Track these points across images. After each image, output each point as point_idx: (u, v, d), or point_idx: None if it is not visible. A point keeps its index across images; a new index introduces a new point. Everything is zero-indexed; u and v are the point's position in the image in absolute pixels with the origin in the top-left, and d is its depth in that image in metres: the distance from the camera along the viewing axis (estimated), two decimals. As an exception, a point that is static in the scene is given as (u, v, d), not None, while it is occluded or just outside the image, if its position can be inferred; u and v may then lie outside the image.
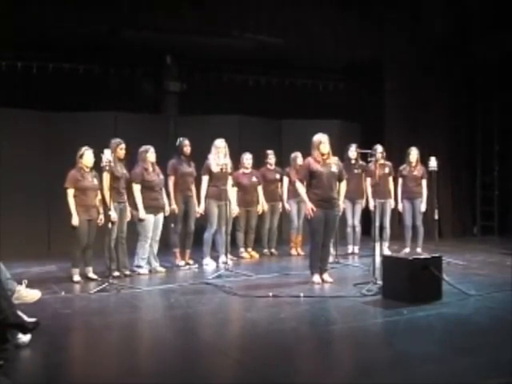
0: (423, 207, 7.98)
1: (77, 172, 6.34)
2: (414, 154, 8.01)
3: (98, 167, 6.30)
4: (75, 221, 6.24)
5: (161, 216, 6.92)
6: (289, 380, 3.42)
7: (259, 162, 8.35)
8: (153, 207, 6.80)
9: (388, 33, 10.09)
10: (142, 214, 6.70)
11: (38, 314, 4.22)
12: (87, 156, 6.37)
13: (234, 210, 7.71)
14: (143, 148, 6.88)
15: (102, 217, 6.46)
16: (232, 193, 7.59)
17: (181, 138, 7.37)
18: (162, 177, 6.98)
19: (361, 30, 9.78)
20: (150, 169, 6.85)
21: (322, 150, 6.04)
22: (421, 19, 9.99)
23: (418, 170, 8.02)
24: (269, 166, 8.36)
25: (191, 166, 7.36)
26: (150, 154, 6.85)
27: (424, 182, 8.01)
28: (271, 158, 8.36)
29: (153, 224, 6.81)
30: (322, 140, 6.05)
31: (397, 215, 8.61)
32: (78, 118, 8.71)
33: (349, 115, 10.38)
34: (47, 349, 4.00)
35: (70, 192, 6.28)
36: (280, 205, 8.36)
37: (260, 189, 8.10)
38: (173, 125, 9.43)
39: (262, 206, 8.12)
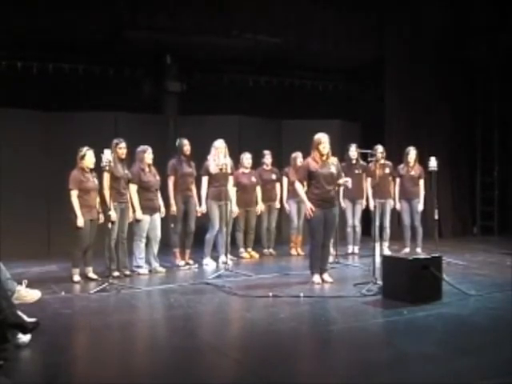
0: (420, 207, 8.00)
1: (79, 173, 6.32)
2: (412, 154, 8.02)
3: (97, 167, 6.29)
4: (80, 222, 6.21)
5: (157, 216, 6.90)
6: (288, 380, 3.42)
7: (259, 163, 8.34)
8: (148, 208, 6.79)
9: (388, 33, 10.10)
10: (138, 214, 6.70)
11: (37, 314, 4.22)
12: (88, 157, 6.35)
13: (234, 210, 7.71)
14: (141, 148, 6.85)
15: (101, 216, 6.46)
16: (232, 193, 7.59)
17: (180, 138, 7.37)
18: (158, 178, 6.96)
19: (361, 30, 9.79)
20: (147, 169, 6.83)
21: (322, 151, 6.02)
22: (421, 19, 10.00)
23: (415, 170, 8.03)
24: (265, 167, 8.34)
25: (191, 166, 7.34)
26: (148, 155, 6.82)
27: (421, 182, 8.02)
28: (268, 158, 8.34)
29: (149, 224, 6.80)
30: (322, 140, 6.03)
31: (397, 215, 8.61)
32: (78, 117, 8.69)
33: (349, 115, 10.37)
34: (47, 349, 4.00)
35: (74, 193, 6.25)
36: (277, 204, 8.35)
37: (258, 189, 8.11)
38: (173, 125, 9.42)
39: (260, 206, 8.12)
